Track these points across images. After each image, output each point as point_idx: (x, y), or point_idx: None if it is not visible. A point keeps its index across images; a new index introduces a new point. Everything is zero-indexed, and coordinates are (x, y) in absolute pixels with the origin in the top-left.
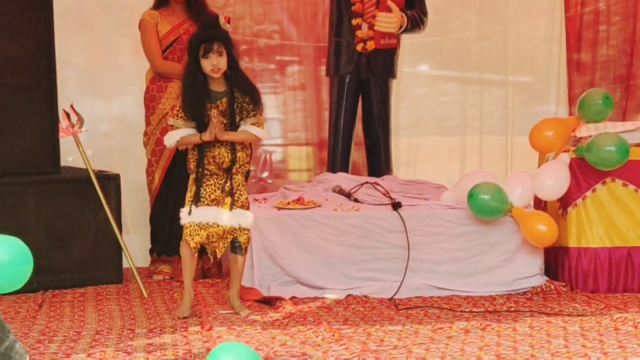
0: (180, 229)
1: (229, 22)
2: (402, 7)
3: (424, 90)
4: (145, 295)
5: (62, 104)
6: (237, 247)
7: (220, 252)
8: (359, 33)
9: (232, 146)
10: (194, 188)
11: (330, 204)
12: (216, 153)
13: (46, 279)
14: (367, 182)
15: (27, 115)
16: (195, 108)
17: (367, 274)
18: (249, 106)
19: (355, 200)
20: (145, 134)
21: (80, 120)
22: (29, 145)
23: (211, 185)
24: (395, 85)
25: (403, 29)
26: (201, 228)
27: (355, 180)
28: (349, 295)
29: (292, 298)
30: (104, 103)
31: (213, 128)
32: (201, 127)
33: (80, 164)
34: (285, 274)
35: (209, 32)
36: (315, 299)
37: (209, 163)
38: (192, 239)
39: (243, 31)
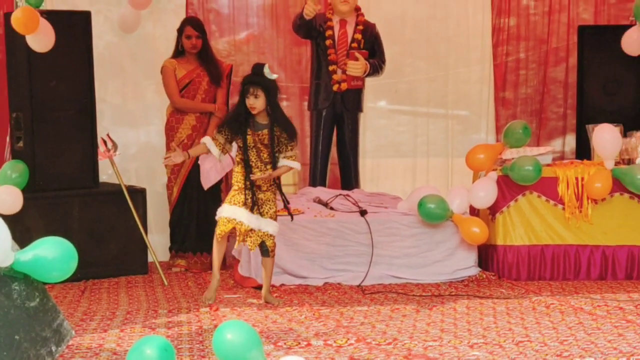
0: (192, 231)
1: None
2: (366, 56)
3: (383, 121)
4: (166, 283)
5: (100, 133)
6: (264, 250)
7: (252, 248)
8: (335, 77)
9: (264, 170)
10: (232, 192)
11: (311, 211)
12: (255, 173)
13: (87, 271)
14: (340, 194)
15: (73, 141)
16: (233, 127)
17: (340, 266)
18: (285, 140)
19: (331, 208)
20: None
21: (115, 146)
22: (74, 165)
23: (247, 196)
24: (362, 118)
25: (367, 73)
26: (229, 221)
27: (331, 193)
28: (326, 282)
29: (281, 285)
30: (133, 132)
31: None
32: (242, 145)
33: (115, 180)
34: (276, 266)
35: (248, 78)
36: (299, 286)
37: (245, 179)
38: (220, 227)
39: (242, 74)
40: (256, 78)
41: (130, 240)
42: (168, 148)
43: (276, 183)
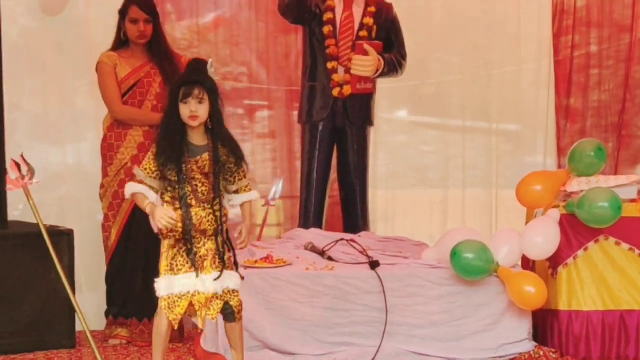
0: (138, 289)
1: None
2: (380, 50)
3: (402, 138)
4: None
5: (11, 153)
6: (229, 314)
7: (214, 316)
8: (335, 77)
9: (211, 206)
10: (170, 254)
11: (302, 262)
12: (194, 213)
13: None
14: (342, 239)
15: None
16: (171, 159)
17: (341, 338)
18: (234, 167)
19: (330, 258)
20: (102, 186)
21: (31, 171)
22: None
23: (188, 250)
24: (372, 134)
25: (380, 72)
26: (181, 298)
27: (330, 237)
28: None
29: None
30: (57, 150)
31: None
32: (176, 184)
33: (30, 218)
34: (253, 339)
35: (191, 76)
36: None
37: (185, 225)
38: (172, 311)
39: None
40: (201, 77)
41: (51, 301)
42: (105, 173)
43: (221, 224)
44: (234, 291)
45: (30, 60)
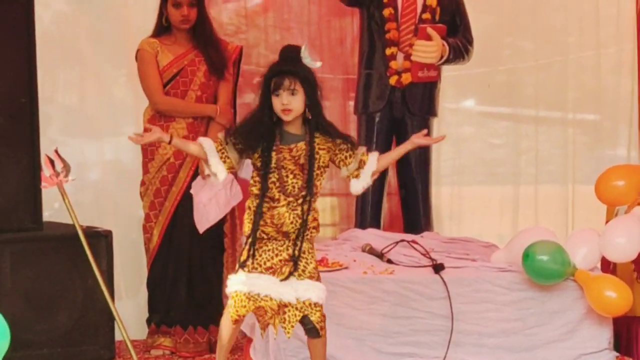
0: (182, 295)
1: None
2: (444, 34)
3: (469, 130)
4: None
5: (45, 148)
6: (309, 329)
7: (289, 332)
8: (393, 64)
9: (301, 207)
10: (250, 252)
11: (359, 265)
12: (276, 213)
13: (25, 354)
14: (402, 240)
15: (3, 161)
16: (252, 139)
17: (403, 348)
18: (344, 145)
19: (389, 261)
20: (143, 183)
21: (67, 168)
22: (5, 197)
23: (268, 251)
24: (435, 125)
25: (444, 59)
26: (249, 299)
27: (389, 238)
28: None
29: None
30: (95, 146)
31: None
32: (264, 169)
33: (66, 219)
34: (307, 348)
35: (280, 65)
36: None
37: (265, 224)
38: (237, 310)
39: (257, 61)
40: (293, 66)
41: (88, 309)
42: (146, 169)
43: (307, 229)
44: (315, 304)
45: (64, 49)
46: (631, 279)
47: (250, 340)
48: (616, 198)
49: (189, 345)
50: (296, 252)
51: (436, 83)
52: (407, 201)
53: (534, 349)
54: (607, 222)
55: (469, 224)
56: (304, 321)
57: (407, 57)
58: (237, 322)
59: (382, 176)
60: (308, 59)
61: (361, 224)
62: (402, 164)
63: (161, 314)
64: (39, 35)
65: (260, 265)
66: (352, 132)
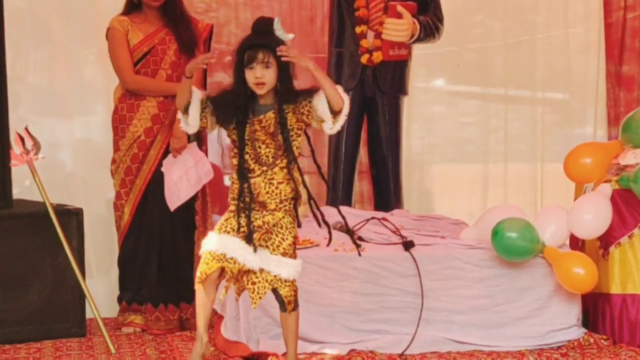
0: (153, 272)
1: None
2: (414, 12)
3: (440, 109)
4: (113, 350)
5: (15, 127)
6: (279, 302)
7: (255, 302)
8: (363, 42)
9: (271, 175)
10: (226, 215)
11: (330, 243)
12: (251, 182)
13: None
14: (373, 218)
15: None
16: (228, 113)
17: (373, 325)
18: (303, 100)
19: (360, 238)
20: (114, 161)
21: (37, 146)
22: None
23: (245, 217)
24: (406, 104)
25: (415, 37)
26: (214, 258)
27: (360, 216)
28: (352, 350)
29: (286, 354)
30: (65, 125)
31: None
32: (239, 143)
33: (36, 197)
34: (277, 326)
35: (255, 38)
36: (312, 354)
37: (243, 195)
38: (199, 267)
39: (228, 39)
40: (266, 39)
41: (59, 286)
42: (117, 147)
43: (295, 196)
44: (285, 280)
45: (34, 28)
46: (597, 256)
47: (221, 318)
48: (584, 175)
49: (160, 323)
50: (271, 223)
51: (407, 61)
52: (378, 179)
53: (503, 326)
54: (575, 199)
55: (438, 202)
56: (276, 294)
57: (378, 35)
58: (204, 282)
59: (353, 154)
60: (280, 31)
61: (332, 201)
62: (373, 142)
63: (132, 291)
64: (8, 14)
65: (234, 230)
66: None
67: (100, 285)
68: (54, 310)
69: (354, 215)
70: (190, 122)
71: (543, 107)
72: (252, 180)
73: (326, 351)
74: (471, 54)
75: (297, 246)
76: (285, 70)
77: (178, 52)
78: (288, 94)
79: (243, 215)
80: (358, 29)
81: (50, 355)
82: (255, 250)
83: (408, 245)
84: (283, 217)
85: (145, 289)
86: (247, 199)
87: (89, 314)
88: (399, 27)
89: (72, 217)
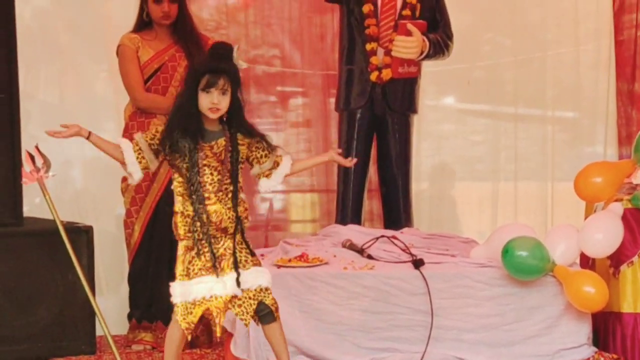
0: (163, 290)
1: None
2: (424, 30)
3: (449, 127)
4: None
5: (26, 144)
6: (266, 314)
7: (247, 321)
8: (373, 60)
9: (232, 201)
10: (187, 257)
11: (340, 261)
12: (212, 211)
13: (5, 349)
14: (383, 236)
15: None
16: (177, 138)
17: (382, 344)
18: (260, 144)
19: (369, 256)
20: (124, 179)
21: (47, 164)
22: None
23: (207, 252)
24: (416, 122)
25: (424, 54)
26: (195, 305)
27: (369, 234)
28: None
29: None
30: (75, 143)
31: None
32: (189, 166)
33: (46, 214)
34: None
35: (217, 63)
36: None
37: (204, 225)
38: (184, 319)
39: (238, 56)
40: (227, 64)
41: (69, 303)
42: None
43: (240, 222)
44: (266, 289)
45: (45, 45)
46: (608, 275)
47: (230, 336)
48: (594, 194)
49: None
50: (235, 245)
51: (416, 79)
52: (388, 198)
53: (513, 344)
54: (585, 218)
55: (448, 221)
56: (259, 308)
57: (388, 52)
58: (188, 329)
59: (362, 173)
60: (238, 59)
61: (342, 220)
62: (383, 161)
63: (142, 309)
64: (19, 31)
65: (200, 270)
66: (333, 128)
67: (110, 303)
68: (64, 327)
69: (363, 233)
70: (129, 170)
71: (553, 125)
72: (212, 208)
73: None
74: (481, 72)
75: (307, 264)
76: (238, 99)
77: (188, 69)
78: (242, 125)
79: (207, 246)
80: (368, 46)
81: None
82: (238, 277)
83: (418, 263)
84: (240, 236)
85: (155, 307)
86: (212, 228)
87: (99, 332)
88: (409, 45)
89: (82, 235)
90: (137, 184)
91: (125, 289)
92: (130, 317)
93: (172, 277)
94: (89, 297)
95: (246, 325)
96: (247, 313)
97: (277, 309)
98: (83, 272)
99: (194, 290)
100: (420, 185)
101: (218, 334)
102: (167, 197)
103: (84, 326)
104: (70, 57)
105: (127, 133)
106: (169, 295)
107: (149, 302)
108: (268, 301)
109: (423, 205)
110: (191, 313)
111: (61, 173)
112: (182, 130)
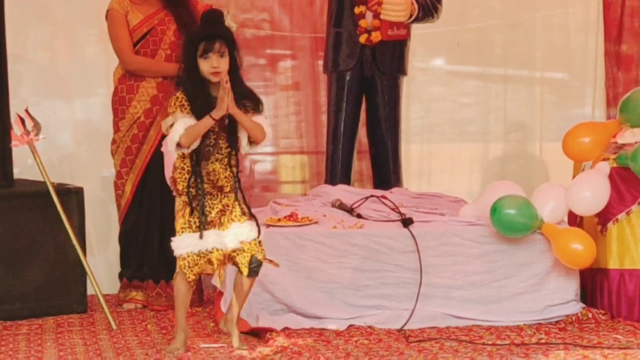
0: (154, 249)
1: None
2: None
3: (439, 89)
4: (114, 326)
5: (16, 107)
6: (254, 269)
7: (246, 272)
8: (362, 23)
9: (229, 161)
10: (187, 211)
11: (329, 220)
12: (211, 169)
13: None
14: (372, 196)
15: None
16: (199, 113)
17: (372, 301)
18: (249, 105)
19: (359, 216)
20: (114, 141)
21: (37, 127)
22: None
23: (205, 208)
24: (405, 84)
25: (413, 17)
26: (200, 257)
27: (359, 194)
28: (351, 325)
29: (285, 329)
30: (66, 106)
31: (225, 98)
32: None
33: (37, 176)
34: (277, 302)
35: (211, 29)
36: (311, 330)
37: (201, 182)
38: (192, 270)
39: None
40: (221, 29)
41: (60, 263)
42: (117, 128)
43: (238, 180)
44: (260, 243)
45: (36, 8)
46: (595, 232)
47: (220, 294)
48: (582, 154)
49: (161, 299)
50: (229, 201)
51: (406, 41)
52: (377, 158)
53: (501, 301)
54: (573, 177)
55: (438, 181)
56: (251, 261)
57: (376, 15)
58: (194, 281)
59: (352, 134)
60: (230, 22)
61: (331, 180)
62: (372, 122)
63: (133, 268)
64: None
65: (203, 222)
66: (322, 91)
67: (101, 263)
68: (56, 287)
69: (353, 193)
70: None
71: (542, 86)
72: (211, 167)
73: (325, 326)
74: (470, 34)
75: (297, 223)
76: (235, 60)
77: (177, 33)
78: (238, 85)
79: (206, 202)
80: (357, 9)
81: (51, 331)
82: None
83: (407, 222)
84: (235, 194)
85: (146, 266)
86: (209, 185)
87: (90, 291)
88: (397, 7)
89: (72, 196)
90: (127, 146)
91: (114, 250)
92: (121, 276)
93: (164, 237)
94: (80, 257)
95: (244, 274)
96: (243, 265)
97: (261, 265)
98: (74, 232)
99: (199, 241)
100: (409, 147)
101: (219, 285)
102: (157, 158)
103: (75, 285)
104: (61, 21)
105: (117, 96)
106: (159, 254)
107: (140, 262)
108: (260, 256)
109: (413, 165)
110: (197, 264)
111: (52, 136)
112: (206, 105)
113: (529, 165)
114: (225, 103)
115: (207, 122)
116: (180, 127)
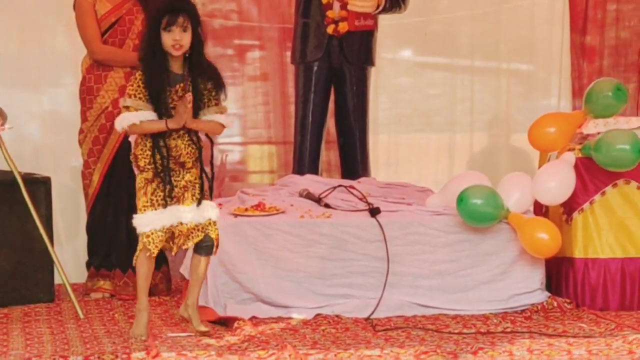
0: (121, 238)
1: None
2: None
3: (406, 80)
4: (81, 316)
5: None
6: (206, 246)
7: (187, 248)
8: (329, 13)
9: (190, 137)
10: (149, 189)
11: (296, 210)
12: (173, 145)
13: None
14: (340, 186)
15: None
16: (157, 88)
17: (339, 290)
18: (210, 93)
19: (326, 205)
20: (81, 131)
21: (3, 117)
22: None
23: (167, 184)
24: (373, 75)
25: (381, 8)
26: (165, 232)
27: (326, 184)
28: (318, 314)
29: (252, 318)
30: (33, 96)
31: (184, 114)
32: (159, 113)
33: (3, 166)
34: (244, 291)
35: (176, 3)
36: (278, 319)
37: (163, 158)
38: (156, 246)
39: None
40: (185, 4)
41: (28, 252)
42: (84, 117)
43: (199, 155)
44: (215, 222)
45: None
46: (561, 222)
47: (188, 282)
48: (548, 144)
49: (128, 288)
50: (192, 178)
51: (373, 32)
52: (345, 149)
53: (468, 290)
54: (539, 167)
55: (405, 171)
56: (204, 239)
57: (344, 6)
58: (155, 255)
59: (320, 124)
60: None
61: (299, 170)
62: (340, 113)
63: (101, 257)
64: None
65: (165, 199)
66: (290, 81)
67: (69, 253)
68: (23, 276)
69: (320, 183)
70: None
71: (508, 78)
72: (172, 143)
73: (292, 315)
74: (438, 25)
75: (264, 212)
76: (199, 36)
77: (145, 22)
78: (203, 62)
79: (167, 178)
80: (324, 0)
81: (18, 320)
82: (198, 205)
83: (374, 211)
84: (195, 171)
85: (114, 255)
86: (172, 161)
87: (57, 280)
88: None
89: (40, 186)
90: (95, 135)
91: (82, 239)
92: (88, 265)
93: (131, 226)
94: (48, 246)
95: (186, 248)
96: (192, 241)
97: (217, 245)
98: (41, 221)
99: (162, 217)
100: (377, 137)
101: (173, 253)
102: (124, 148)
103: (42, 275)
104: (29, 11)
105: (85, 86)
106: (127, 243)
107: (108, 251)
108: (214, 235)
109: (380, 156)
110: (162, 240)
111: (19, 126)
112: (154, 74)
113: (495, 156)
114: (184, 119)
115: (160, 127)
116: (135, 118)
